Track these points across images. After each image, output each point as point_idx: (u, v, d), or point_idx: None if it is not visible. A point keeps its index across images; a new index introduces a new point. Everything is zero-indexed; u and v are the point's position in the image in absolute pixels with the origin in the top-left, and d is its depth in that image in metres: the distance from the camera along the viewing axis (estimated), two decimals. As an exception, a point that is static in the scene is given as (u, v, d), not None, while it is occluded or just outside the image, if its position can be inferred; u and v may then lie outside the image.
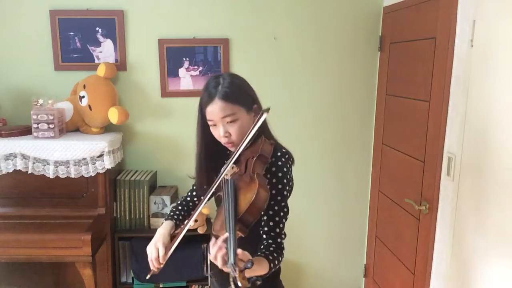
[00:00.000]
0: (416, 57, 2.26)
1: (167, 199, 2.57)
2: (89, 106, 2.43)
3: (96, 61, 2.61)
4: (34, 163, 2.33)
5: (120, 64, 2.63)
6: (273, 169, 1.35)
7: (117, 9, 2.58)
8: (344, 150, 2.90)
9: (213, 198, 1.48)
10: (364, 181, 2.96)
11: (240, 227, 1.17)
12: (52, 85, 2.62)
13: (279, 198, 1.33)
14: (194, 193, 1.65)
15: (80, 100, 2.46)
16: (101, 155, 2.36)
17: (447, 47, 1.96)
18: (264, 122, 1.46)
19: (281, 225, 1.35)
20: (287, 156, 1.40)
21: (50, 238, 2.21)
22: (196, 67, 2.68)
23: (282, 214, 1.35)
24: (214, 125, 1.36)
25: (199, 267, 2.61)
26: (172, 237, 1.49)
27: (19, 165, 2.32)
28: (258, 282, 1.22)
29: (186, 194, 1.68)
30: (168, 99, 2.71)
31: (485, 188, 1.72)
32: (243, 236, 1.17)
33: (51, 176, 2.34)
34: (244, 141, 1.28)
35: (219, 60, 2.68)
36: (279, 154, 1.39)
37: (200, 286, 2.67)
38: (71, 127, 2.53)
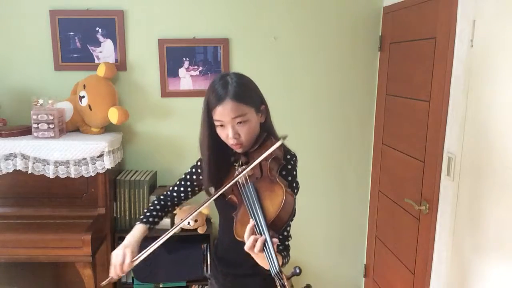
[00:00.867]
0: (416, 57, 2.26)
1: (167, 199, 2.57)
2: (89, 106, 2.43)
3: (96, 61, 2.61)
4: (34, 163, 2.33)
5: (120, 64, 2.63)
6: (284, 172, 1.34)
7: (117, 9, 2.58)
8: (344, 150, 2.90)
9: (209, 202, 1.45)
10: (364, 181, 2.96)
11: (272, 233, 1.13)
12: (52, 85, 2.62)
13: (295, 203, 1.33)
14: (182, 189, 1.56)
15: (80, 100, 2.46)
16: (101, 155, 2.36)
17: (447, 47, 1.96)
18: (270, 122, 1.44)
19: (288, 228, 1.35)
20: (294, 159, 1.39)
21: (50, 238, 2.21)
22: (196, 67, 2.68)
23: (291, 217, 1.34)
24: (222, 126, 1.31)
25: (199, 267, 2.61)
26: (151, 238, 1.41)
27: (19, 165, 2.32)
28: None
29: (171, 188, 1.59)
30: (168, 99, 2.71)
31: (485, 188, 1.72)
32: (277, 241, 1.14)
33: (51, 176, 2.34)
34: (266, 153, 1.25)
35: (219, 60, 2.68)
36: (288, 156, 1.37)
37: (200, 286, 2.67)
38: (71, 127, 2.53)
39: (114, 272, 1.36)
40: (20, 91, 2.61)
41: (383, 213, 2.76)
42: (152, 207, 1.56)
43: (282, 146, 1.35)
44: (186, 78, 2.69)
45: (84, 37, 2.60)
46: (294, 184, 1.36)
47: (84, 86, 2.45)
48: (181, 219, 1.41)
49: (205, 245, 2.61)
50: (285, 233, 1.34)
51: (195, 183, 1.55)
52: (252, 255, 1.13)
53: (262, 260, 1.14)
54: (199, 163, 1.52)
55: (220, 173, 1.40)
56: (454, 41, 1.91)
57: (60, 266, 2.67)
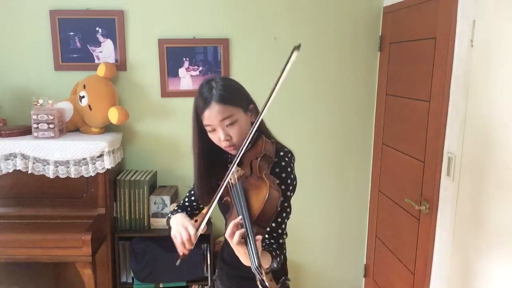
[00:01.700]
0: (416, 57, 2.26)
1: (167, 199, 2.57)
2: (89, 106, 2.43)
3: (96, 61, 2.62)
4: (34, 163, 2.33)
5: (120, 64, 2.63)
6: (277, 170, 1.34)
7: (117, 9, 2.58)
8: (344, 150, 2.90)
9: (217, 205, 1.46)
10: (364, 181, 2.96)
11: (257, 229, 1.15)
12: (52, 85, 2.62)
13: (282, 199, 1.31)
14: (193, 198, 1.60)
15: (80, 100, 2.46)
16: (101, 155, 2.36)
17: (447, 47, 1.96)
18: (263, 122, 1.45)
19: (283, 226, 1.34)
20: (289, 155, 1.39)
21: (50, 238, 2.21)
22: (196, 67, 2.68)
23: (284, 214, 1.34)
24: (213, 130, 1.33)
25: (199, 267, 2.61)
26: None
27: (19, 165, 2.32)
28: (288, 282, 1.21)
29: (183, 200, 1.63)
30: (168, 99, 2.71)
31: (485, 188, 1.72)
32: (261, 237, 1.15)
33: (51, 176, 2.34)
34: (249, 136, 1.25)
35: (219, 60, 2.68)
36: (281, 153, 1.37)
37: (200, 286, 2.67)
38: (71, 127, 2.53)
39: (184, 248, 1.37)
40: (20, 91, 2.61)
41: (383, 213, 2.76)
42: (176, 208, 1.59)
43: (274, 143, 1.37)
44: (186, 78, 2.69)
45: (84, 37, 2.60)
46: (289, 181, 1.35)
47: (84, 86, 2.45)
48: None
49: (205, 245, 2.61)
50: (279, 231, 1.33)
51: None
52: (234, 250, 1.14)
53: (242, 256, 1.14)
54: None
55: (214, 178, 1.41)
56: (454, 41, 1.91)
57: (60, 266, 2.67)
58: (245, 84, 1.43)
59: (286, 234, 1.36)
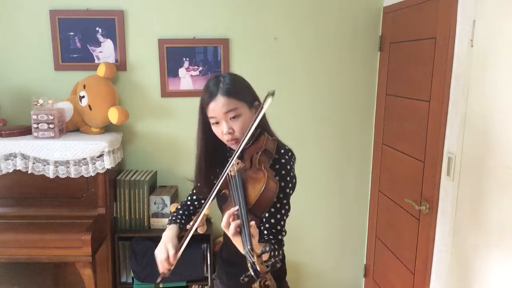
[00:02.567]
0: (416, 57, 2.26)
1: (167, 199, 2.57)
2: (89, 106, 2.43)
3: (96, 61, 2.62)
4: (34, 163, 2.33)
5: (120, 64, 2.63)
6: (277, 166, 1.36)
7: (117, 9, 2.58)
8: (344, 150, 2.90)
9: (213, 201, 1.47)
10: (364, 181, 2.96)
11: (252, 218, 1.17)
12: (52, 85, 2.62)
13: (281, 195, 1.33)
14: (194, 197, 1.63)
15: (80, 100, 2.46)
16: (101, 155, 2.36)
17: (447, 47, 1.96)
18: (265, 120, 1.46)
19: (282, 223, 1.35)
20: (290, 154, 1.41)
21: (50, 238, 2.21)
22: (196, 67, 2.68)
23: (283, 211, 1.35)
24: (217, 122, 1.36)
25: (199, 267, 2.61)
26: (179, 238, 1.48)
27: (19, 165, 2.32)
28: (278, 265, 1.23)
29: (185, 199, 1.66)
30: (168, 99, 2.71)
31: (485, 188, 1.72)
32: (254, 222, 1.17)
33: (51, 176, 2.34)
34: (249, 130, 1.27)
35: (219, 60, 2.68)
36: (282, 151, 1.39)
37: (200, 286, 2.67)
38: (71, 127, 2.53)
39: (163, 267, 1.43)
40: (20, 91, 2.62)
41: (383, 213, 2.76)
42: (175, 212, 1.62)
43: (275, 140, 1.39)
44: (186, 78, 2.69)
45: (84, 37, 2.60)
46: (288, 178, 1.36)
47: (84, 86, 2.45)
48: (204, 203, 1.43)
49: (205, 245, 2.61)
50: (278, 227, 1.34)
51: None
52: (232, 239, 1.16)
53: (240, 245, 1.16)
54: None
55: (213, 172, 1.44)
56: (454, 41, 1.91)
57: (60, 266, 2.67)
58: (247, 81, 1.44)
59: (285, 232, 1.37)
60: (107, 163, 2.36)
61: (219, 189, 1.35)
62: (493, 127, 1.68)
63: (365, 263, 3.07)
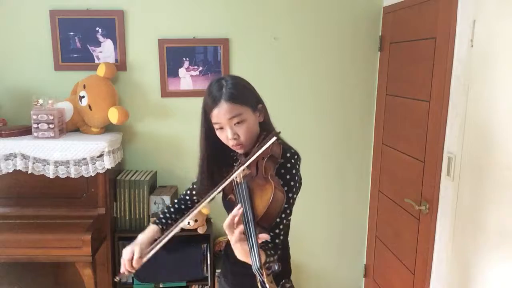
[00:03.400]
0: (416, 57, 2.26)
1: (167, 199, 2.57)
2: (89, 106, 2.43)
3: (96, 61, 2.62)
4: (34, 163, 2.33)
5: (120, 64, 2.63)
6: (282, 171, 1.34)
7: (117, 9, 2.58)
8: (344, 150, 2.90)
9: (213, 201, 1.46)
10: (364, 181, 2.96)
11: (260, 230, 1.15)
12: (52, 85, 2.62)
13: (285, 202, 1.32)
14: (194, 192, 1.61)
15: (80, 100, 2.46)
16: (101, 155, 2.36)
17: (447, 47, 1.96)
18: (270, 123, 1.46)
19: (281, 227, 1.34)
20: (296, 157, 1.39)
21: (50, 238, 2.21)
22: (196, 67, 2.68)
23: (283, 215, 1.34)
24: (221, 128, 1.34)
25: (199, 267, 2.61)
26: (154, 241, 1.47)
27: (19, 165, 2.32)
28: (288, 285, 1.22)
29: (184, 192, 1.65)
30: (168, 99, 2.71)
31: (485, 188, 1.72)
32: (267, 236, 1.16)
33: (51, 176, 2.34)
34: (260, 149, 1.26)
35: (219, 60, 2.68)
36: (288, 155, 1.37)
37: (200, 286, 2.67)
38: (71, 127, 2.53)
39: (124, 267, 1.42)
40: (20, 91, 2.61)
41: (383, 213, 2.76)
42: (166, 210, 1.61)
43: (281, 144, 1.37)
44: (186, 78, 2.69)
45: (84, 37, 2.60)
46: (292, 183, 1.35)
47: (84, 86, 2.45)
48: (182, 218, 1.44)
49: (205, 245, 2.61)
50: (276, 231, 1.33)
51: None
52: (232, 246, 1.15)
53: (241, 253, 1.14)
54: None
55: (216, 175, 1.43)
56: (454, 41, 1.91)
57: (60, 266, 2.67)
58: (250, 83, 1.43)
59: (282, 236, 1.35)
60: (107, 163, 2.36)
61: (224, 194, 1.34)
62: (493, 127, 1.68)
63: (365, 263, 3.07)
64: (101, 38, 2.61)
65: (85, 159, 2.35)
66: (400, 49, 2.49)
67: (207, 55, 2.67)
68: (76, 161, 2.34)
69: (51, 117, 2.34)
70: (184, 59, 2.66)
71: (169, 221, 1.57)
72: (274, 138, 1.24)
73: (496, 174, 1.66)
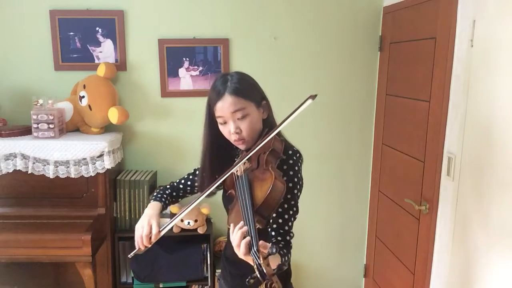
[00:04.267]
0: (416, 57, 2.26)
1: (167, 199, 2.57)
2: (89, 106, 2.43)
3: (96, 61, 2.61)
4: (34, 163, 2.33)
5: (120, 64, 2.63)
6: (284, 167, 1.35)
7: (117, 9, 2.58)
8: (344, 150, 2.90)
9: (212, 197, 1.46)
10: (364, 181, 2.96)
11: (259, 218, 1.16)
12: (52, 85, 2.62)
13: (289, 196, 1.32)
14: (189, 182, 1.59)
15: (80, 100, 2.46)
16: (101, 155, 2.36)
17: (447, 47, 1.96)
18: (273, 120, 1.46)
19: (290, 223, 1.34)
20: (298, 155, 1.40)
21: (50, 238, 2.21)
22: (196, 67, 2.68)
23: (291, 212, 1.34)
24: (224, 122, 1.35)
25: (199, 267, 2.60)
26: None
27: (19, 165, 2.32)
28: (285, 267, 1.22)
29: (179, 179, 1.62)
30: (168, 99, 2.71)
31: (485, 188, 1.72)
32: (261, 227, 1.16)
33: (51, 176, 2.34)
34: (266, 138, 1.25)
35: (219, 60, 2.68)
36: (290, 152, 1.38)
37: (200, 286, 2.67)
38: (71, 127, 2.53)
39: (141, 243, 1.37)
40: (20, 91, 2.61)
41: (383, 213, 2.76)
42: (161, 191, 1.58)
43: (283, 141, 1.37)
44: (186, 78, 2.69)
45: (84, 37, 2.60)
46: (296, 179, 1.35)
47: (84, 86, 2.45)
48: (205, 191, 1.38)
49: (205, 245, 2.61)
50: (286, 228, 1.33)
51: None
52: (240, 256, 1.13)
53: (250, 261, 1.13)
54: None
55: (218, 170, 1.42)
56: (454, 41, 1.91)
57: (60, 266, 2.67)
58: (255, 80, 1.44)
59: (293, 234, 1.35)
60: (107, 163, 2.36)
61: (224, 190, 1.34)
62: (493, 127, 1.68)
63: (365, 263, 3.07)
64: (101, 38, 2.61)
65: (85, 159, 2.35)
66: (400, 49, 2.49)
67: (207, 55, 2.67)
68: (76, 161, 2.35)
69: (51, 117, 2.34)
70: (184, 59, 2.66)
71: (166, 201, 1.55)
72: (276, 132, 1.24)
73: (496, 174, 1.66)
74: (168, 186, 1.61)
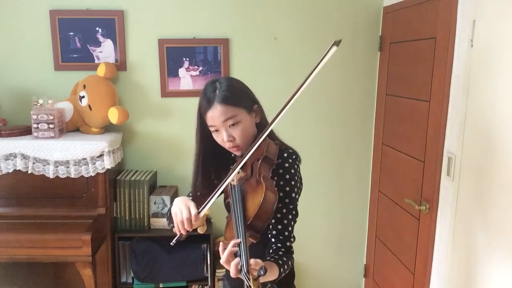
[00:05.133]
0: (416, 57, 2.26)
1: (167, 199, 2.57)
2: (89, 106, 2.43)
3: (96, 61, 2.61)
4: (34, 163, 2.33)
5: (120, 64, 2.63)
6: (280, 171, 1.33)
7: (117, 9, 2.58)
8: (344, 150, 2.90)
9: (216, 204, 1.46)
10: (364, 181, 2.96)
11: (251, 233, 1.14)
12: (52, 85, 2.62)
13: (287, 200, 1.31)
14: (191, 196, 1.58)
15: (80, 100, 2.46)
16: (101, 155, 2.36)
17: (447, 47, 1.96)
18: (266, 122, 1.44)
19: (290, 228, 1.32)
20: (294, 157, 1.38)
21: (50, 238, 2.21)
22: (196, 67, 2.68)
23: (290, 217, 1.32)
24: (217, 130, 1.33)
25: (199, 267, 2.60)
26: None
27: (19, 165, 2.32)
28: (285, 272, 1.21)
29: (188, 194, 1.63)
30: (168, 99, 2.71)
31: (485, 188, 1.72)
32: (255, 242, 1.15)
33: (51, 176, 2.34)
34: (256, 143, 1.24)
35: (219, 60, 2.68)
36: (285, 155, 1.36)
37: (200, 286, 2.67)
38: (71, 127, 2.53)
39: (183, 227, 1.28)
40: (20, 91, 2.61)
41: (383, 213, 2.76)
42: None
43: (278, 144, 1.36)
44: (186, 78, 2.69)
45: (84, 37, 2.60)
46: (293, 183, 1.33)
47: (84, 86, 2.45)
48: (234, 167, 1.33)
49: (205, 245, 2.61)
50: (286, 233, 1.31)
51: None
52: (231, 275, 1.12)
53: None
54: None
55: (214, 177, 1.41)
56: (454, 41, 1.91)
57: (60, 266, 2.67)
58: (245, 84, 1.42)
59: (294, 238, 1.34)
60: (107, 163, 2.36)
61: (224, 197, 1.33)
62: (493, 127, 1.68)
63: (365, 263, 3.07)
64: (101, 38, 2.61)
65: (85, 159, 2.35)
66: (400, 49, 2.49)
67: (207, 55, 2.67)
68: (76, 161, 2.35)
69: (51, 117, 2.34)
70: (184, 59, 2.66)
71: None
72: (262, 139, 1.23)
73: (496, 174, 1.66)
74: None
